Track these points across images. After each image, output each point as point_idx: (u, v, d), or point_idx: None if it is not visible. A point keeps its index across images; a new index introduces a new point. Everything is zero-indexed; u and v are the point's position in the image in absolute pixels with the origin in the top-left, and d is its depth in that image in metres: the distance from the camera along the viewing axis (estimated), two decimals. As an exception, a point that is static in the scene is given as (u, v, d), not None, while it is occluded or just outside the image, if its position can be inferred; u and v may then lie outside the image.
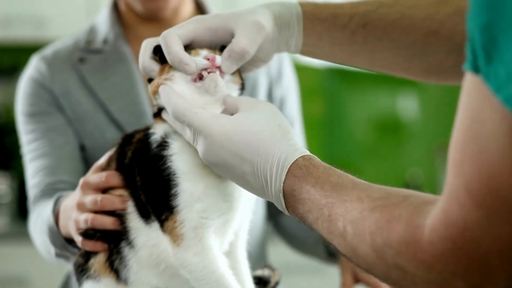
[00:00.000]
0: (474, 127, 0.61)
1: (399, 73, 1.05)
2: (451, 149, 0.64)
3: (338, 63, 1.07)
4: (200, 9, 1.53)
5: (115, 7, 1.50)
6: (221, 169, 0.88)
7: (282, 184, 0.82)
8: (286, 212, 0.85)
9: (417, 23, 0.97)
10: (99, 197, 1.02)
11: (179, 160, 0.94)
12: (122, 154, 1.02)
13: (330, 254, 1.46)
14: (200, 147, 0.89)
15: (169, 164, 0.93)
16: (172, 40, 0.94)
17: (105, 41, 1.46)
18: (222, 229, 0.96)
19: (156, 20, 1.46)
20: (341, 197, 0.77)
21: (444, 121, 3.67)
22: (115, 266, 0.99)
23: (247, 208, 0.99)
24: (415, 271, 0.67)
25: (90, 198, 1.04)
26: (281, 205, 0.84)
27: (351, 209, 0.75)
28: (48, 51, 1.48)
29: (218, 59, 0.94)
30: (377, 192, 0.75)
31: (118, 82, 1.43)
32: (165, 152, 0.94)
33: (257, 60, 1.00)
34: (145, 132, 1.00)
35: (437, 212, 0.65)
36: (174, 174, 0.93)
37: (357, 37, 0.99)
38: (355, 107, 3.61)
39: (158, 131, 0.97)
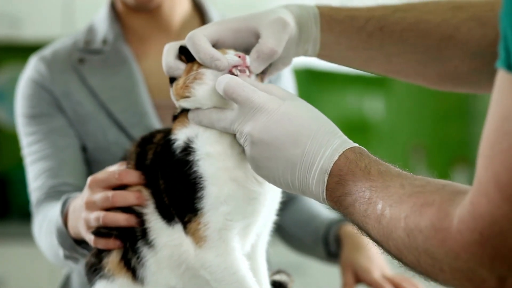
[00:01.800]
0: (506, 124, 0.62)
1: (414, 79, 1.07)
2: (482, 143, 0.65)
3: (354, 68, 1.08)
4: (197, 8, 1.53)
5: (113, 7, 1.49)
6: (270, 149, 0.87)
7: (332, 164, 0.83)
8: (321, 195, 0.85)
9: (433, 28, 0.99)
10: (110, 193, 1.02)
11: (206, 165, 0.93)
12: (143, 153, 1.01)
13: (330, 253, 1.47)
14: (254, 124, 0.87)
15: (195, 168, 0.93)
16: (200, 38, 0.94)
17: (104, 41, 1.45)
18: (245, 231, 0.97)
19: (150, 13, 1.45)
20: (385, 183, 0.79)
21: (411, 121, 3.72)
22: (132, 265, 0.99)
23: (271, 211, 1.00)
24: (443, 257, 0.68)
25: (101, 195, 1.03)
26: (321, 186, 0.84)
27: (392, 194, 0.77)
28: (46, 51, 1.46)
29: (248, 58, 0.94)
30: (419, 180, 0.77)
31: (119, 83, 1.42)
32: (191, 157, 0.94)
33: (280, 61, 1.01)
34: (166, 135, 0.99)
35: (466, 203, 0.66)
36: (200, 178, 0.93)
37: (373, 41, 1.00)
38: (323, 107, 3.62)
39: (180, 136, 0.97)
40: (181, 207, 0.95)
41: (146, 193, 0.99)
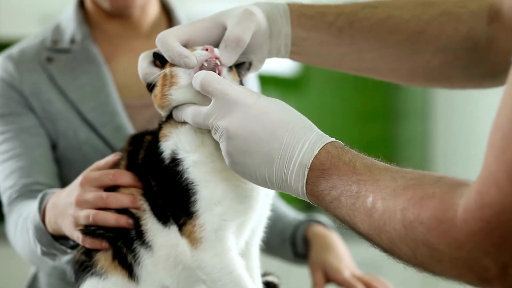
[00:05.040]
0: None
1: (387, 76, 1.09)
2: (493, 134, 0.66)
3: (326, 67, 1.10)
4: (165, 9, 1.54)
5: (81, 5, 1.48)
6: (247, 143, 0.87)
7: (312, 158, 0.83)
8: (301, 189, 0.85)
9: (403, 23, 1.01)
10: (104, 194, 1.03)
11: (195, 171, 0.95)
12: (134, 152, 1.03)
13: (297, 254, 1.50)
14: (230, 118, 0.88)
15: (186, 176, 0.95)
16: (169, 38, 0.96)
17: (72, 41, 1.44)
18: (239, 229, 0.99)
19: (123, 17, 1.46)
20: (373, 176, 0.79)
21: (332, 121, 3.78)
22: (128, 262, 1.00)
23: (265, 207, 1.02)
24: (444, 248, 0.69)
25: (94, 195, 1.04)
26: (301, 180, 0.84)
27: (383, 187, 0.77)
28: (13, 50, 1.44)
29: (216, 50, 0.96)
30: (411, 173, 0.77)
31: (88, 82, 1.41)
32: (179, 168, 0.96)
33: (255, 57, 1.02)
34: (154, 139, 1.01)
35: (472, 193, 0.67)
36: (192, 183, 0.95)
37: (344, 36, 1.02)
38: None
39: (165, 148, 0.98)
40: (175, 210, 0.97)
41: (136, 192, 1.01)
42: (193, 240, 0.95)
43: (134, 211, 1.01)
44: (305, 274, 1.50)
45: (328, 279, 1.41)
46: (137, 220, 1.00)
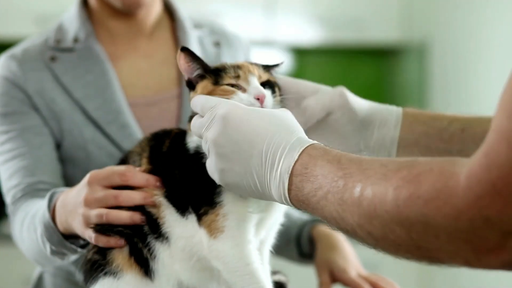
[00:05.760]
0: None
1: None
2: (507, 93, 0.65)
3: None
4: (168, 9, 1.54)
5: (84, 4, 1.48)
6: (230, 154, 0.89)
7: (293, 163, 0.83)
8: (284, 196, 0.85)
9: None
10: (115, 192, 1.03)
11: None
12: (158, 146, 1.04)
13: (302, 254, 1.50)
14: (214, 130, 0.90)
15: None
16: None
17: (75, 40, 1.43)
18: (258, 226, 1.00)
19: (128, 16, 1.45)
20: (361, 167, 0.78)
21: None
22: (144, 256, 1.00)
23: (281, 209, 1.03)
24: (441, 221, 0.67)
25: (104, 193, 1.03)
26: (281, 188, 0.85)
27: (372, 174, 0.76)
28: (16, 50, 1.44)
29: (268, 100, 0.99)
30: (399, 159, 0.76)
31: (92, 81, 1.41)
32: (204, 160, 0.97)
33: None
34: (181, 132, 1.04)
35: (478, 157, 0.66)
36: None
37: (454, 142, 1.02)
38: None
39: (191, 143, 1.01)
40: (196, 199, 0.97)
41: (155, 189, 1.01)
42: (213, 230, 0.96)
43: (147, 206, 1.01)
44: (311, 274, 1.50)
45: (335, 279, 1.41)
46: (150, 215, 1.00)
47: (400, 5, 3.42)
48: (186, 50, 1.00)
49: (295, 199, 0.84)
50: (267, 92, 0.99)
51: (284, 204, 0.86)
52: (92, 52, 1.43)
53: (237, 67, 1.01)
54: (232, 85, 0.99)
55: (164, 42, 1.50)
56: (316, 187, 0.81)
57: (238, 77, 1.00)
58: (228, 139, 0.88)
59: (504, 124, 0.64)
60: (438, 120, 1.02)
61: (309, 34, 3.40)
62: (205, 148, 0.92)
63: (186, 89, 1.43)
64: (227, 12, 3.24)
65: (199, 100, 0.95)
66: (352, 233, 0.79)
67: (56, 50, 1.42)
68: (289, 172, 0.84)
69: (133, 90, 1.44)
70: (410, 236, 0.71)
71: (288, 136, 0.86)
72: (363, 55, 3.70)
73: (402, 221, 0.71)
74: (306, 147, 0.84)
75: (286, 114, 0.91)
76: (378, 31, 3.40)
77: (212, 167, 0.91)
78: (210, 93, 0.99)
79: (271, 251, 1.07)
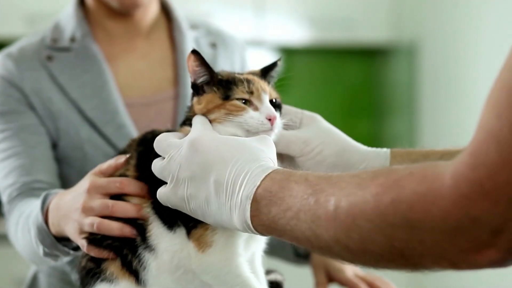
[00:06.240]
0: None
1: None
2: (496, 92, 0.64)
3: None
4: (165, 9, 1.54)
5: (81, 4, 1.47)
6: (193, 178, 0.88)
7: (255, 189, 0.82)
8: (246, 223, 0.83)
9: None
10: (110, 202, 1.02)
11: None
12: (146, 152, 1.01)
13: (298, 254, 1.50)
14: (181, 156, 0.89)
15: None
16: None
17: (72, 39, 1.43)
18: (248, 241, 0.98)
19: (125, 16, 1.45)
20: (330, 181, 0.76)
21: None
22: (134, 268, 0.99)
23: None
24: (427, 224, 0.66)
25: (100, 202, 1.03)
26: (242, 215, 0.83)
27: (345, 186, 0.73)
28: (12, 48, 1.43)
29: (277, 123, 0.98)
30: (371, 169, 0.74)
31: (89, 81, 1.41)
32: None
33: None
34: None
35: (463, 157, 0.65)
36: None
37: None
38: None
39: None
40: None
41: (142, 201, 1.00)
42: (202, 243, 0.95)
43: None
44: (307, 274, 1.50)
45: (331, 279, 1.41)
46: (141, 226, 0.99)
47: (390, 5, 3.44)
48: (197, 54, 0.98)
49: (259, 225, 0.82)
50: (277, 114, 0.98)
51: (247, 232, 0.84)
52: (88, 52, 1.42)
53: (248, 81, 1.00)
54: (244, 101, 0.98)
55: (161, 42, 1.50)
56: (284, 208, 0.79)
57: (252, 93, 0.98)
58: (193, 163, 0.87)
59: (492, 123, 0.63)
60: (428, 157, 0.99)
61: (298, 34, 3.41)
62: (168, 175, 0.91)
63: (182, 89, 1.44)
64: (216, 12, 3.24)
65: (161, 144, 0.94)
66: (326, 250, 0.77)
67: (53, 49, 1.42)
68: (251, 197, 0.82)
69: (130, 90, 1.45)
70: (392, 244, 0.69)
71: (251, 163, 0.84)
72: (352, 55, 3.71)
73: (383, 229, 0.69)
74: (269, 173, 0.82)
75: (258, 142, 0.90)
76: (368, 31, 3.41)
77: (176, 194, 0.90)
78: (217, 108, 0.97)
79: (265, 253, 1.07)
